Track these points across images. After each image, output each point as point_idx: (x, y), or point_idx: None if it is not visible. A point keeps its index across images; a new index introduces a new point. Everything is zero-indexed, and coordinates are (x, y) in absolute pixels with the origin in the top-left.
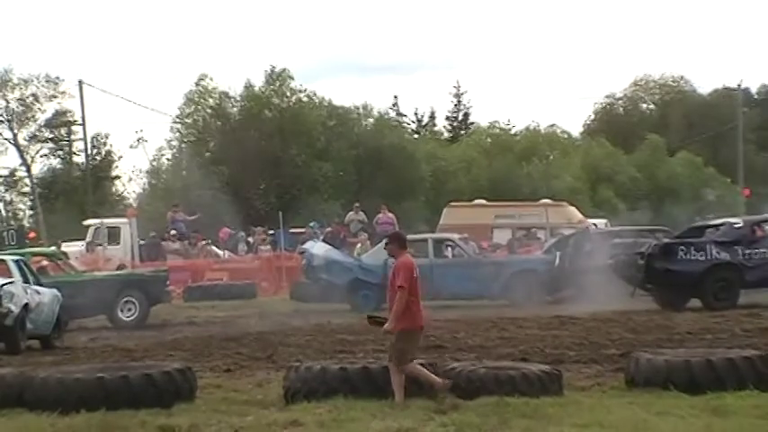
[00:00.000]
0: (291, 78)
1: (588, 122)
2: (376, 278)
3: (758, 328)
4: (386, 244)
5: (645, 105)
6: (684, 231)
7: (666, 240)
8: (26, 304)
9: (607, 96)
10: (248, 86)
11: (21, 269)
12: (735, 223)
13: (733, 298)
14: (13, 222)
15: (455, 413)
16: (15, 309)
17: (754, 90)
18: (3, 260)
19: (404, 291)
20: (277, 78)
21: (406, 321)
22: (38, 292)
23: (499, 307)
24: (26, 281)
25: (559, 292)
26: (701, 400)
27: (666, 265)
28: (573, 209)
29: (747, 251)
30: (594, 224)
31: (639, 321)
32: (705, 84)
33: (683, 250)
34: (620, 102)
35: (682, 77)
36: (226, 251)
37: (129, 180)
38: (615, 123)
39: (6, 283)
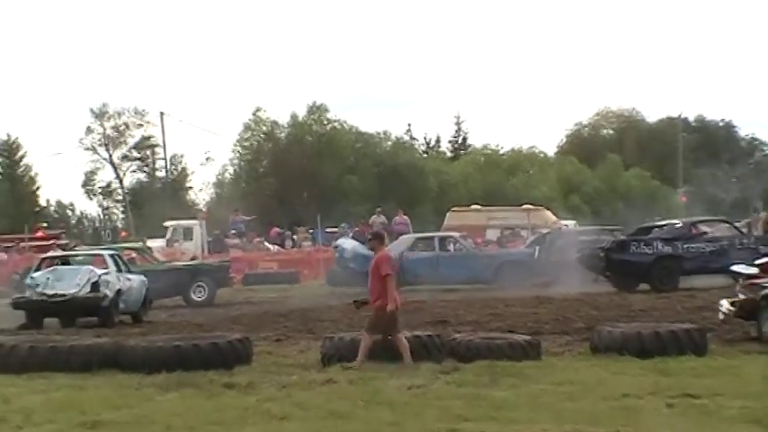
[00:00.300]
0: (327, 110)
1: (561, 144)
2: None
3: (695, 307)
4: (369, 240)
5: (605, 131)
6: (636, 230)
7: (622, 237)
8: (119, 290)
9: (575, 123)
10: (293, 116)
11: (115, 261)
12: (676, 224)
13: (674, 283)
14: (108, 223)
15: (456, 373)
16: (110, 293)
17: (691, 119)
18: (101, 254)
19: (392, 277)
20: (316, 110)
21: (385, 301)
22: (128, 279)
23: (491, 290)
24: (119, 270)
25: (538, 279)
26: (650, 363)
27: (622, 256)
28: (549, 213)
29: (686, 245)
30: (566, 225)
31: (601, 301)
32: (652, 113)
33: (635, 245)
34: (586, 128)
35: (634, 108)
36: (275, 246)
37: (200, 190)
38: (582, 145)
39: (103, 273)
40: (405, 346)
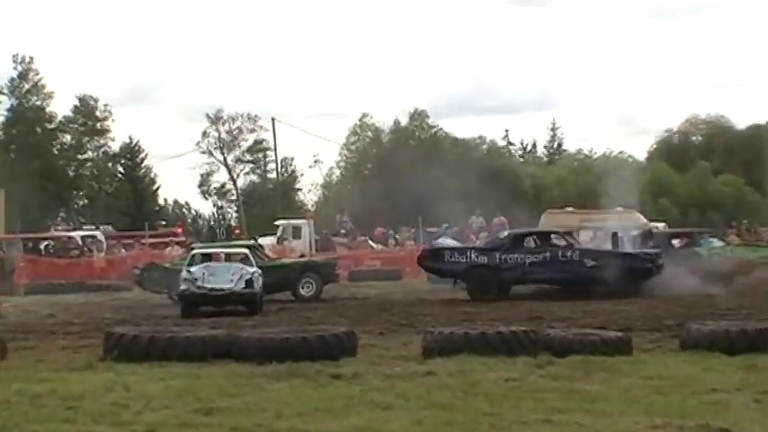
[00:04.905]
0: (428, 116)
1: (651, 150)
2: None
3: None
4: None
5: (694, 137)
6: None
7: (436, 246)
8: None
9: (666, 130)
10: (396, 122)
11: (255, 257)
12: (499, 235)
13: (492, 292)
14: (222, 222)
15: (551, 367)
16: (259, 289)
17: None
18: (246, 253)
19: None
20: (418, 116)
21: None
22: (260, 275)
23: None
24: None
25: None
26: (737, 359)
27: (436, 264)
28: (639, 215)
29: (504, 256)
30: (656, 226)
31: (690, 300)
32: (741, 121)
33: (448, 253)
34: (676, 135)
35: (722, 116)
36: (379, 244)
37: (308, 191)
38: (672, 151)
39: (256, 271)
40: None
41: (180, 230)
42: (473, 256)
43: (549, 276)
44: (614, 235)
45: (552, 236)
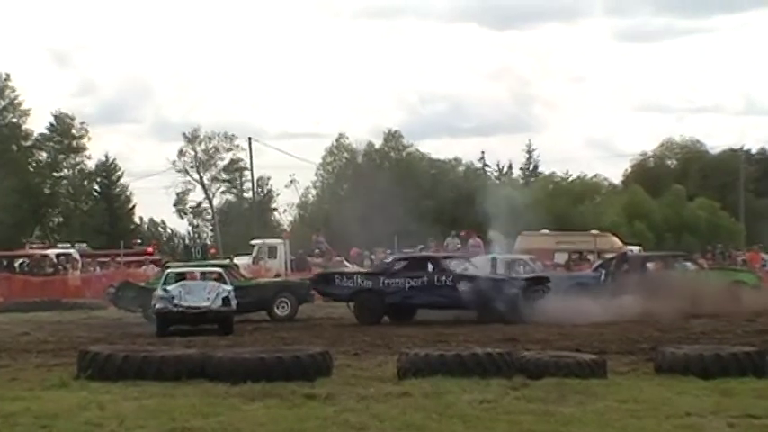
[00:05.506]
0: (402, 137)
1: (626, 173)
2: None
3: (755, 331)
4: None
5: (669, 161)
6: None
7: (328, 270)
8: (238, 303)
9: (641, 154)
10: (369, 144)
11: (230, 276)
12: (386, 259)
13: (377, 316)
14: (198, 241)
15: (525, 389)
16: (233, 306)
17: (753, 151)
18: (220, 272)
19: None
20: (392, 138)
21: None
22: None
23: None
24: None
25: (604, 300)
26: (712, 383)
27: (327, 288)
28: (615, 238)
29: (387, 280)
30: (631, 250)
31: (664, 323)
32: (715, 145)
33: (338, 278)
34: (651, 159)
35: (697, 140)
36: (355, 265)
37: (284, 211)
38: (647, 174)
39: (231, 290)
40: None
41: (151, 249)
42: (359, 280)
43: (426, 301)
44: (493, 260)
45: (433, 260)
